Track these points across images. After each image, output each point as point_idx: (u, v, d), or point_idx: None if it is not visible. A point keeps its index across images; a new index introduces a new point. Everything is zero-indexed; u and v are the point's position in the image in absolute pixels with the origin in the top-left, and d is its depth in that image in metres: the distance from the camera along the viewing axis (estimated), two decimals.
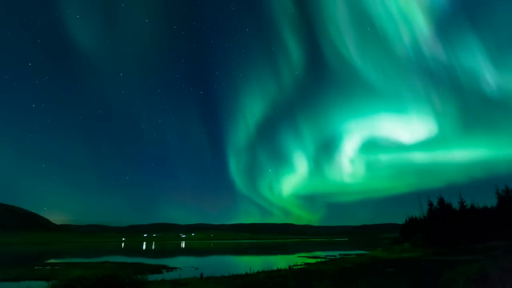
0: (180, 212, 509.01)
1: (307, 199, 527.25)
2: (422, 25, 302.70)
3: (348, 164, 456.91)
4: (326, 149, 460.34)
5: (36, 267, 26.43)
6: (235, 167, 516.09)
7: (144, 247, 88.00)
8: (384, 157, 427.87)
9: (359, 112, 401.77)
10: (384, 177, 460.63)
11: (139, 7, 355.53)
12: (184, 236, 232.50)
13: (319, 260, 31.71)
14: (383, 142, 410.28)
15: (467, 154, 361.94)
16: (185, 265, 29.37)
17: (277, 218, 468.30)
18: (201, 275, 17.89)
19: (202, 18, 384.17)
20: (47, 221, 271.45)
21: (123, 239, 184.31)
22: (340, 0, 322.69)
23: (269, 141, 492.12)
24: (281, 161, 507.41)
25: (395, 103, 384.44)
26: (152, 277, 18.49)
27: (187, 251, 63.34)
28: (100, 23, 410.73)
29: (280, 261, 31.31)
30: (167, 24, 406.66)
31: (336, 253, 43.01)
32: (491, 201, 36.98)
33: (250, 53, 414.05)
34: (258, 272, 19.14)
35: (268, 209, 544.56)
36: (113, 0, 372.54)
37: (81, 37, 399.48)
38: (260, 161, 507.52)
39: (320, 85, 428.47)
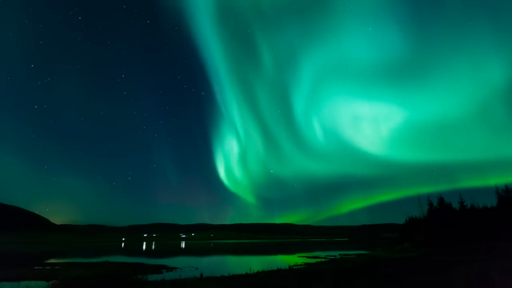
0: (180, 212, 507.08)
1: (311, 200, 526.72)
2: None
3: None
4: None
5: (36, 267, 26.41)
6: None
7: (144, 247, 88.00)
8: None
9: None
10: None
11: (140, 8, 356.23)
12: (184, 236, 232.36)
13: (319, 260, 31.68)
14: None
15: None
16: (185, 265, 29.35)
17: (277, 218, 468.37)
18: (201, 275, 17.88)
19: (204, 19, 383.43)
20: (47, 221, 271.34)
21: (123, 239, 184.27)
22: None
23: (271, 142, 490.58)
24: (283, 162, 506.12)
25: None
26: (152, 277, 18.49)
27: (187, 251, 63.32)
28: (102, 25, 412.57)
29: (280, 261, 31.31)
30: (169, 25, 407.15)
31: (336, 253, 42.98)
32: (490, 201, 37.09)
33: (251, 53, 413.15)
34: (258, 272, 19.11)
35: (268, 209, 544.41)
36: (114, 1, 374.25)
37: (83, 39, 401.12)
38: (262, 162, 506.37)
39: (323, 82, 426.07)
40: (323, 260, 31.22)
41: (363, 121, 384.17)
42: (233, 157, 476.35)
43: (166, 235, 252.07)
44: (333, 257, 34.57)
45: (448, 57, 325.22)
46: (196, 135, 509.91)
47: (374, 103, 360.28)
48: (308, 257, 36.81)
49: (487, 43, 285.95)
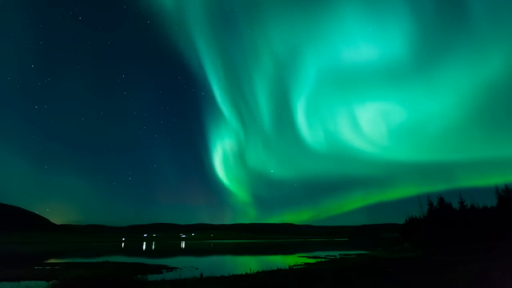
0: (180, 212, 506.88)
1: (311, 200, 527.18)
2: None
3: None
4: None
5: (36, 267, 26.41)
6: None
7: (144, 247, 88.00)
8: None
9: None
10: None
11: (140, 8, 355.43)
12: (184, 236, 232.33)
13: (319, 260, 31.68)
14: None
15: None
16: (185, 265, 29.35)
17: (277, 218, 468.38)
18: (201, 275, 17.88)
19: (204, 19, 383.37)
20: (47, 221, 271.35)
21: (123, 239, 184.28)
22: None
23: (271, 142, 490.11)
24: (283, 162, 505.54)
25: None
26: (152, 277, 18.48)
27: (187, 251, 63.33)
28: (102, 25, 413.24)
29: (280, 261, 31.30)
30: (169, 25, 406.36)
31: (336, 253, 42.97)
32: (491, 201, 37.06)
33: (252, 53, 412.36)
34: (258, 272, 19.12)
35: (268, 209, 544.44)
36: (114, 1, 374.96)
37: (83, 39, 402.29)
38: (262, 162, 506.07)
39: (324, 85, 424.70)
40: (323, 260, 31.21)
41: (363, 121, 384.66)
42: (233, 157, 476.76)
43: (166, 235, 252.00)
44: (333, 257, 34.57)
45: (448, 57, 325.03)
46: (196, 135, 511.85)
47: (374, 103, 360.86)
48: (308, 257, 36.81)
49: (487, 42, 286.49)
